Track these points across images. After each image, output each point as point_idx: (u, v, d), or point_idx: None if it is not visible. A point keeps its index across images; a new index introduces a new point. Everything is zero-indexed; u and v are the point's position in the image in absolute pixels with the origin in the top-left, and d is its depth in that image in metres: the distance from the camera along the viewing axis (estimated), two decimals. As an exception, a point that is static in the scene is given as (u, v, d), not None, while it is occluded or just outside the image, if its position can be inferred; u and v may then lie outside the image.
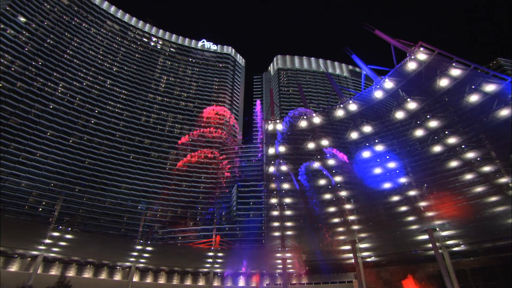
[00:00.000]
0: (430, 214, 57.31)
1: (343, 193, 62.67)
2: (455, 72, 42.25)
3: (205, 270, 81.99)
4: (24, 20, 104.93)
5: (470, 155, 48.23)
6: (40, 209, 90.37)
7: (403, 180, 56.49)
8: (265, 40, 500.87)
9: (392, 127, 53.51)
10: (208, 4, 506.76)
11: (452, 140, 48.25)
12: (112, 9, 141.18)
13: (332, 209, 65.04)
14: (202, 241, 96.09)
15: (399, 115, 50.76)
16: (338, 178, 60.88)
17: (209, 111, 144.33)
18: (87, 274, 71.12)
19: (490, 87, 40.43)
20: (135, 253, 71.05)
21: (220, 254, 79.42)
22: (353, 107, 53.98)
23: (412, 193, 57.35)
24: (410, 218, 60.39)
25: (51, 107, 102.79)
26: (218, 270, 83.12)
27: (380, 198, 60.06)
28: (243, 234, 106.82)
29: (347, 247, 71.69)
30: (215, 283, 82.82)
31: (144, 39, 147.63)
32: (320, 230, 67.62)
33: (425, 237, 62.01)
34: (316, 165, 59.88)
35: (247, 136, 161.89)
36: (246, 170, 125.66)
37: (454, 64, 41.72)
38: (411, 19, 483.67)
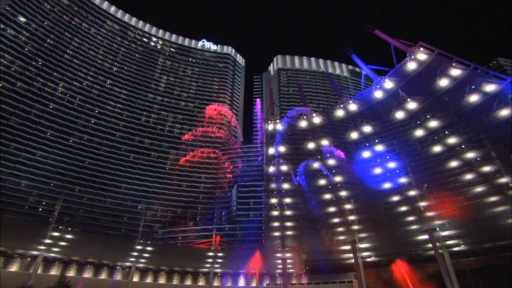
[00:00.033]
0: (430, 214, 57.33)
1: (343, 193, 62.68)
2: (455, 72, 42.27)
3: (205, 270, 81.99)
4: (24, 20, 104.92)
5: (470, 155, 48.25)
6: (40, 209, 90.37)
7: (403, 180, 56.52)
8: (265, 40, 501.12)
9: (392, 127, 53.53)
10: (208, 4, 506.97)
11: (452, 140, 48.27)
12: (112, 9, 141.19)
13: (332, 209, 65.06)
14: (202, 241, 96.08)
15: (399, 115, 50.79)
16: (338, 178, 60.90)
17: (211, 109, 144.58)
18: (87, 274, 71.12)
19: (490, 87, 40.46)
20: (135, 253, 71.05)
21: (220, 254, 79.43)
22: (353, 107, 53.99)
23: (412, 193, 57.38)
24: (410, 218, 60.42)
25: (51, 107, 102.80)
26: (218, 270, 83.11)
27: (380, 198, 60.09)
28: (243, 234, 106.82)
29: (347, 247, 71.71)
30: (215, 283, 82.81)
31: (144, 39, 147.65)
32: (320, 230, 67.64)
33: (425, 237, 62.03)
34: (316, 165, 59.91)
35: (247, 136, 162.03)
36: (246, 170, 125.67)
37: (454, 64, 41.74)
38: (411, 19, 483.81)
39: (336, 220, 66.58)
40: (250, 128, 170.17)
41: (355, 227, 65.94)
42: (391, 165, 55.21)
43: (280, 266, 76.19)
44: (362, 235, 67.37)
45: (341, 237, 69.41)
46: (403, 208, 59.85)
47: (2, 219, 57.70)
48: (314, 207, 63.37)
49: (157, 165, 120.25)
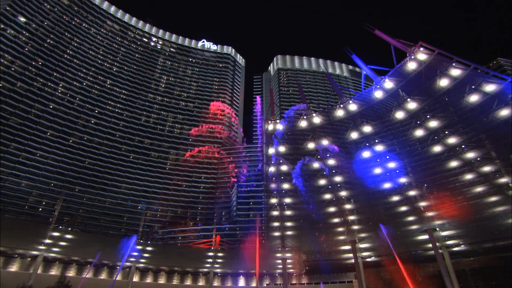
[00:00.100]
0: (430, 214, 57.34)
1: (343, 193, 62.68)
2: (455, 72, 42.24)
3: (205, 270, 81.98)
4: (24, 20, 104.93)
5: (470, 155, 48.24)
6: (40, 209, 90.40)
7: (403, 180, 56.52)
8: (265, 40, 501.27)
9: (392, 127, 53.51)
10: (208, 4, 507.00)
11: (452, 140, 48.26)
12: (112, 9, 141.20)
13: (332, 209, 65.05)
14: (202, 241, 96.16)
15: (399, 115, 50.77)
16: (338, 178, 60.91)
17: (215, 106, 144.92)
18: (87, 274, 71.13)
19: (490, 87, 40.43)
20: (135, 253, 71.00)
21: (220, 254, 79.44)
22: (353, 107, 53.97)
23: (412, 193, 57.38)
24: (410, 218, 60.44)
25: (51, 107, 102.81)
26: (218, 270, 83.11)
27: (380, 198, 60.09)
28: (243, 234, 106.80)
29: (347, 247, 71.71)
30: (215, 283, 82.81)
31: (144, 39, 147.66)
32: (320, 230, 67.64)
33: (425, 237, 62.02)
34: (316, 164, 59.91)
35: (247, 135, 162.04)
36: (246, 170, 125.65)
37: (454, 64, 41.70)
38: (411, 19, 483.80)
39: (336, 220, 66.59)
40: (250, 128, 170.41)
41: (355, 227, 65.93)
42: (391, 165, 55.20)
43: (280, 266, 76.18)
44: (362, 235, 67.36)
45: (341, 237, 69.40)
46: (403, 208, 59.87)
47: (2, 219, 57.77)
48: (314, 207, 63.39)
49: (157, 165, 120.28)
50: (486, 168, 48.31)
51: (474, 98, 42.23)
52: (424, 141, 51.36)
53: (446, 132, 48.60)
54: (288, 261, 75.01)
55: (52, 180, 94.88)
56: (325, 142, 57.84)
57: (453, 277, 57.64)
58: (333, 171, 60.42)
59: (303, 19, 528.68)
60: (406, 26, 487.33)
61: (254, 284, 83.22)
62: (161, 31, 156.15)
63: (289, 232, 68.93)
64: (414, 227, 61.85)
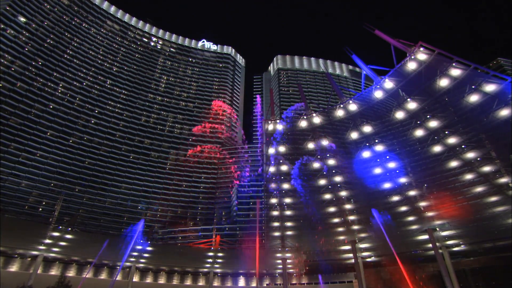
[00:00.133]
0: (430, 214, 57.35)
1: (343, 193, 62.68)
2: (455, 72, 42.26)
3: (205, 270, 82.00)
4: (24, 20, 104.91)
5: (470, 155, 48.26)
6: (40, 209, 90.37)
7: (403, 180, 56.54)
8: (265, 40, 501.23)
9: (392, 127, 53.53)
10: (208, 4, 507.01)
11: (452, 140, 48.28)
12: (112, 9, 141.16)
13: (332, 209, 65.06)
14: (202, 241, 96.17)
15: (399, 115, 50.79)
16: (338, 178, 60.93)
17: (217, 105, 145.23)
18: (87, 274, 71.17)
19: (490, 87, 40.45)
20: (135, 253, 71.02)
21: (220, 254, 79.44)
22: (353, 107, 53.98)
23: (412, 193, 57.40)
24: (410, 218, 60.44)
25: (51, 107, 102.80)
26: (218, 270, 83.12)
27: (380, 198, 60.08)
28: (243, 234, 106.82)
29: (347, 247, 71.72)
30: (215, 283, 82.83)
31: (144, 39, 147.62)
32: (320, 230, 67.63)
33: (425, 237, 62.04)
34: (316, 164, 59.91)
35: (247, 136, 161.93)
36: (246, 170, 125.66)
37: (454, 64, 41.73)
38: (411, 19, 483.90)
39: (336, 220, 66.59)
40: (250, 128, 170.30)
41: (355, 227, 65.93)
42: (391, 165, 55.22)
43: (280, 266, 76.20)
44: (362, 235, 67.37)
45: (341, 237, 69.40)
46: (403, 208, 59.88)
47: (2, 219, 57.75)
48: (314, 207, 63.39)
49: (157, 165, 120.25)
50: (486, 168, 48.33)
51: (474, 98, 42.24)
52: (424, 141, 51.38)
53: (446, 132, 48.62)
54: (288, 261, 75.01)
55: (52, 180, 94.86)
56: (325, 142, 57.85)
57: (453, 277, 57.67)
58: (333, 171, 60.44)
59: (303, 19, 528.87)
60: (406, 26, 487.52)
61: (254, 284, 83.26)
62: (161, 31, 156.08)
63: (289, 232, 68.95)
64: (414, 227, 61.86)
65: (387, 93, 49.93)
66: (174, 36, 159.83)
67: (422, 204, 57.60)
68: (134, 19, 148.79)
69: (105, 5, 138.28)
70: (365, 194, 60.75)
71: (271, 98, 77.05)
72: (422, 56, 44.02)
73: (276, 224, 67.04)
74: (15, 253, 63.91)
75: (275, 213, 65.87)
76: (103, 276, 74.28)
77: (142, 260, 75.32)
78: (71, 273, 69.98)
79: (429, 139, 50.54)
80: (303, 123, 58.48)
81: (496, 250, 62.68)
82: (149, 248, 72.67)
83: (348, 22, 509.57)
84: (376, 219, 55.66)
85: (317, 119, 57.28)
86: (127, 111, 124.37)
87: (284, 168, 61.10)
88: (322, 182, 61.87)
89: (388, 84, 48.89)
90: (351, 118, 55.43)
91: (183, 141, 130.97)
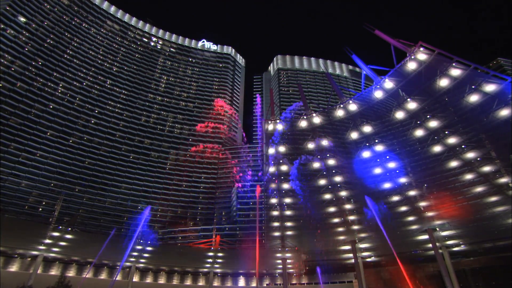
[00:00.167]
0: (430, 214, 57.35)
1: (343, 193, 62.67)
2: (455, 72, 42.26)
3: (205, 270, 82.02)
4: (24, 20, 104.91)
5: (470, 155, 48.26)
6: (40, 209, 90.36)
7: (403, 180, 56.52)
8: (265, 40, 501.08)
9: (392, 127, 53.52)
10: (208, 4, 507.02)
11: (452, 140, 48.27)
12: (112, 9, 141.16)
13: (332, 209, 65.06)
14: (202, 241, 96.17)
15: (399, 115, 50.78)
16: (338, 178, 60.90)
17: (219, 104, 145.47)
18: (87, 274, 71.21)
19: (490, 87, 40.45)
20: (135, 253, 71.03)
21: (220, 254, 79.45)
22: (353, 107, 53.98)
23: (412, 193, 57.40)
24: (410, 218, 60.44)
25: (51, 107, 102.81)
26: (218, 270, 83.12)
27: (380, 198, 60.06)
28: (243, 234, 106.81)
29: (347, 247, 71.71)
30: (215, 283, 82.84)
31: (144, 39, 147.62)
32: (320, 230, 67.62)
33: (425, 237, 62.05)
34: (316, 164, 59.90)
35: (247, 135, 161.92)
36: (246, 170, 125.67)
37: (454, 64, 41.72)
38: (411, 19, 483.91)
39: (336, 220, 66.59)
40: (250, 128, 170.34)
41: (355, 227, 65.93)
42: (391, 165, 55.21)
43: (280, 266, 76.19)
44: (362, 235, 67.36)
45: (341, 237, 69.40)
46: (403, 208, 59.86)
47: (2, 219, 57.75)
48: (314, 207, 63.38)
49: (157, 165, 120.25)
50: (486, 168, 48.33)
51: (474, 98, 42.24)
52: (424, 141, 51.37)
53: (446, 132, 48.61)
54: (288, 261, 75.03)
55: (52, 180, 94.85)
56: (325, 142, 57.85)
57: (453, 277, 57.68)
58: (333, 171, 60.42)
59: (303, 19, 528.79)
60: (406, 26, 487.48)
61: (254, 284, 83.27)
62: (161, 31, 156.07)
63: (289, 232, 68.94)
64: (414, 227, 61.87)
65: (387, 93, 49.93)
66: (174, 36, 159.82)
67: (422, 204, 57.60)
68: (134, 19, 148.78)
69: (105, 5, 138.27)
70: (365, 194, 60.69)
71: (271, 98, 77.03)
72: (422, 56, 44.02)
73: (276, 224, 67.04)
74: (15, 253, 63.92)
75: (275, 213, 65.87)
76: (103, 276, 74.31)
77: (142, 260, 75.35)
78: (71, 273, 70.00)
79: (429, 139, 50.53)
80: (303, 123, 58.48)
81: (496, 250, 62.69)
82: (149, 248, 72.67)
83: (348, 22, 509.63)
84: (371, 209, 55.41)
85: (317, 119, 57.28)
86: (127, 111, 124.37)
87: (284, 168, 61.10)
88: (322, 182, 61.86)
89: (388, 84, 48.89)
90: (351, 118, 55.42)
91: (183, 141, 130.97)
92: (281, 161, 60.80)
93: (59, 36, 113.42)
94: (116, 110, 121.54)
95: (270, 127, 59.70)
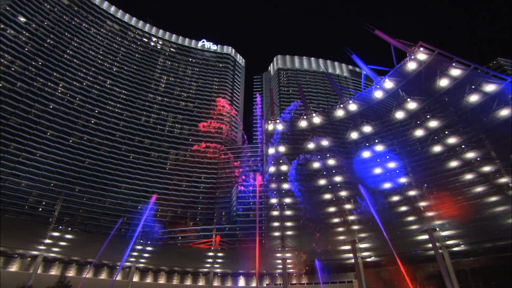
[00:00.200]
0: (430, 214, 57.32)
1: (343, 193, 62.64)
2: (455, 72, 42.22)
3: (205, 270, 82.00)
4: (24, 20, 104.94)
5: (470, 155, 48.23)
6: (40, 209, 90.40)
7: (403, 180, 56.48)
8: (265, 40, 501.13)
9: (392, 127, 53.47)
10: (208, 4, 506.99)
11: (452, 140, 48.24)
12: (112, 9, 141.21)
13: (332, 209, 65.04)
14: (202, 241, 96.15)
15: (399, 115, 50.74)
16: (338, 178, 60.86)
17: (221, 103, 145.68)
18: (87, 274, 71.20)
19: (490, 87, 40.40)
20: (135, 253, 71.02)
21: (220, 254, 79.44)
22: (353, 107, 53.94)
23: (412, 193, 57.35)
24: (410, 218, 60.40)
25: (51, 107, 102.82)
26: (218, 270, 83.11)
27: (380, 198, 60.00)
28: (243, 234, 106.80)
29: (347, 247, 71.69)
30: (215, 283, 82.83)
31: (144, 39, 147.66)
32: (320, 230, 67.61)
33: (425, 237, 62.03)
34: (316, 164, 59.87)
35: (247, 135, 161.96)
36: (246, 169, 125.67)
37: (454, 64, 41.67)
38: (411, 19, 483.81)
39: (336, 220, 66.57)
40: (250, 127, 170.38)
41: (355, 227, 65.91)
42: (391, 165, 55.17)
43: (280, 266, 76.17)
44: (362, 235, 67.35)
45: (341, 237, 69.38)
46: (403, 208, 59.83)
47: (2, 219, 57.73)
48: (314, 207, 63.35)
49: (157, 165, 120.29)
50: (486, 168, 48.29)
51: (474, 98, 42.19)
52: (424, 141, 51.32)
53: (446, 132, 48.58)
54: (288, 261, 75.01)
55: (52, 180, 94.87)
56: (325, 142, 57.83)
57: (453, 277, 57.67)
58: (333, 171, 60.38)
59: (303, 19, 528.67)
60: (406, 26, 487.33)
61: (254, 284, 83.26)
62: (161, 31, 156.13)
63: (289, 232, 68.91)
64: (414, 227, 61.84)
65: (387, 93, 49.89)
66: (174, 36, 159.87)
67: (422, 204, 57.56)
68: (134, 19, 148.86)
69: (105, 5, 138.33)
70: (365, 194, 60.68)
71: (271, 98, 76.99)
72: (422, 56, 43.97)
73: (276, 224, 67.01)
74: (15, 253, 63.91)
75: (275, 213, 65.84)
76: (103, 276, 74.29)
77: (142, 260, 75.33)
78: (71, 273, 69.98)
79: (429, 139, 50.49)
80: (303, 123, 58.45)
81: (496, 250, 62.69)
82: (149, 248, 72.68)
83: (348, 22, 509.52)
84: (365, 198, 55.30)
85: (317, 119, 57.24)
86: (127, 111, 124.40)
87: (284, 168, 61.05)
88: (322, 182, 61.82)
89: (388, 84, 48.86)
90: (351, 118, 55.37)
91: (183, 141, 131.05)
92: (281, 161, 60.77)
93: (59, 36, 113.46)
94: (116, 110, 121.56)
95: (270, 127, 59.66)
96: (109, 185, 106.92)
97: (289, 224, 67.22)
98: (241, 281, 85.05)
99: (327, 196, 63.21)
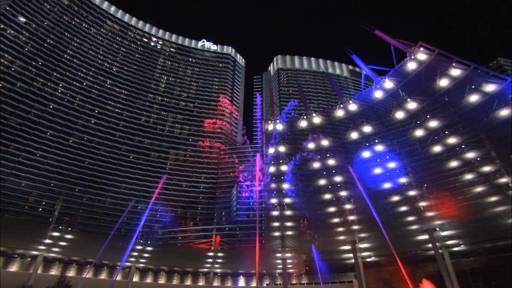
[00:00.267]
0: (430, 214, 57.33)
1: (343, 193, 62.65)
2: (455, 72, 42.24)
3: (205, 270, 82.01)
4: (24, 20, 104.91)
5: (470, 155, 48.24)
6: (40, 209, 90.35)
7: (403, 180, 56.50)
8: (265, 40, 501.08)
9: (392, 127, 53.49)
10: (208, 4, 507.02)
11: (452, 140, 48.25)
12: (112, 9, 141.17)
13: (332, 209, 65.05)
14: (202, 241, 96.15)
15: (399, 115, 50.76)
16: (338, 178, 60.88)
17: (225, 102, 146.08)
18: (87, 274, 71.21)
19: (490, 87, 40.42)
20: (135, 253, 71.02)
21: (220, 254, 79.46)
22: (353, 107, 53.96)
23: (412, 193, 57.37)
24: (410, 218, 60.41)
25: (51, 107, 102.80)
26: (218, 270, 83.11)
27: (380, 198, 60.04)
28: (243, 234, 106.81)
29: (347, 247, 71.70)
30: (215, 283, 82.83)
31: (144, 39, 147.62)
32: (320, 230, 67.62)
33: (425, 237, 62.04)
34: (316, 164, 59.88)
35: (247, 135, 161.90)
36: (246, 169, 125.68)
37: (454, 64, 41.69)
38: (411, 19, 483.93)
39: (336, 220, 66.58)
40: (250, 127, 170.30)
41: (355, 227, 65.93)
42: (391, 165, 55.19)
43: (280, 266, 76.18)
44: (362, 235, 67.37)
45: (341, 237, 69.39)
46: (403, 208, 59.84)
47: (2, 219, 57.71)
48: (313, 207, 63.35)
49: (157, 165, 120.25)
50: (486, 168, 48.31)
51: (474, 98, 42.21)
52: (424, 141, 51.34)
53: (446, 132, 48.59)
54: (288, 261, 75.01)
55: (52, 180, 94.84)
56: (325, 142, 57.83)
57: (453, 277, 57.68)
58: (333, 171, 60.40)
59: (303, 19, 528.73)
60: (406, 26, 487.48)
61: (254, 284, 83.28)
62: (161, 31, 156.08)
63: (289, 232, 68.92)
64: (414, 227, 61.85)
65: (387, 93, 49.90)
66: (174, 36, 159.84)
67: (422, 204, 57.57)
68: (134, 19, 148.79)
69: (105, 5, 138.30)
70: (365, 194, 60.67)
71: (271, 98, 77.00)
72: (422, 56, 43.99)
73: (276, 224, 67.03)
74: (15, 253, 63.92)
75: (275, 213, 65.86)
76: (103, 276, 74.31)
77: (142, 260, 75.34)
78: (71, 273, 70.01)
79: (429, 139, 50.51)
80: (303, 123, 58.47)
81: (496, 250, 62.70)
82: (149, 248, 72.69)
83: (348, 22, 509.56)
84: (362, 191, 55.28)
85: (317, 119, 57.26)
86: (127, 111, 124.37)
87: (284, 168, 61.08)
88: (322, 182, 61.85)
89: (388, 84, 48.87)
90: (351, 118, 55.39)
91: (183, 141, 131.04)
92: (281, 161, 60.80)
93: (59, 36, 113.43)
94: (116, 110, 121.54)
95: (270, 127, 59.66)
96: (109, 185, 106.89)
97: (289, 224, 67.23)
98: (241, 281, 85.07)
99: (327, 196, 63.22)
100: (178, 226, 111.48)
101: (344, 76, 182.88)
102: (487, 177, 49.03)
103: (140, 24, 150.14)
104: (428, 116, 48.85)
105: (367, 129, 54.79)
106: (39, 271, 64.06)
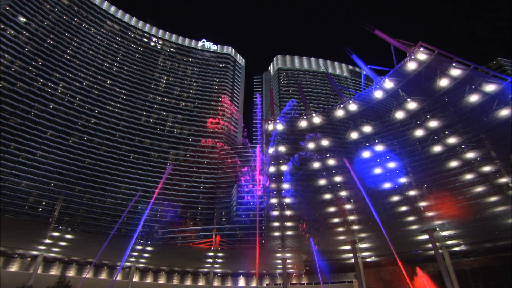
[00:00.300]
0: (430, 214, 57.32)
1: (343, 193, 62.65)
2: (455, 72, 42.22)
3: (205, 270, 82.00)
4: (24, 20, 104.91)
5: (470, 155, 48.23)
6: (40, 209, 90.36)
7: (403, 180, 56.50)
8: (265, 40, 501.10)
9: (392, 127, 53.49)
10: (208, 4, 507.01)
11: (452, 140, 48.24)
12: (112, 9, 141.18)
13: (332, 209, 65.05)
14: (202, 241, 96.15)
15: (399, 115, 50.75)
16: (338, 178, 60.87)
17: (226, 102, 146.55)
18: (87, 274, 71.20)
19: (490, 87, 40.40)
20: (135, 253, 71.02)
21: (220, 254, 79.46)
22: (353, 107, 53.95)
23: (412, 193, 57.36)
24: (410, 218, 60.41)
25: (51, 107, 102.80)
26: (218, 270, 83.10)
27: (380, 198, 60.04)
28: (243, 234, 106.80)
29: (347, 247, 71.70)
30: (215, 283, 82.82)
31: (144, 39, 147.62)
32: (320, 230, 67.62)
33: (425, 237, 62.02)
34: (316, 164, 59.87)
35: (247, 135, 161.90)
36: (246, 170, 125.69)
37: (454, 64, 41.68)
38: (411, 19, 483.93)
39: (336, 220, 66.58)
40: (250, 127, 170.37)
41: (355, 227, 65.93)
42: (391, 165, 55.18)
43: (280, 266, 76.17)
44: (362, 235, 67.36)
45: (341, 237, 69.39)
46: (403, 208, 59.84)
47: (2, 219, 57.74)
48: (313, 207, 63.34)
49: (157, 165, 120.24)
50: (486, 168, 48.30)
51: (474, 98, 42.20)
52: (424, 141, 51.33)
53: (446, 132, 48.59)
54: (288, 261, 74.98)
55: (52, 180, 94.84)
56: (325, 142, 57.82)
57: (453, 277, 57.67)
58: (333, 171, 60.39)
59: (303, 19, 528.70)
60: (406, 26, 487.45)
61: (254, 284, 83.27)
62: (161, 31, 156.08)
63: (289, 232, 68.92)
64: (414, 227, 61.84)
65: (387, 93, 49.89)
66: (174, 36, 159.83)
67: (422, 204, 57.55)
68: (134, 19, 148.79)
69: (105, 5, 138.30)
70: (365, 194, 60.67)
71: (271, 98, 77.00)
72: (422, 56, 43.98)
73: (276, 224, 67.02)
74: (15, 253, 63.91)
75: (275, 213, 65.83)
76: (103, 276, 74.30)
77: (142, 260, 75.33)
78: (71, 273, 69.99)
79: (429, 139, 50.50)
80: (303, 123, 58.46)
81: (496, 250, 62.69)
82: (149, 248, 72.69)
83: (348, 22, 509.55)
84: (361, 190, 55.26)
85: (317, 119, 57.25)
86: (127, 111, 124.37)
87: (284, 168, 61.06)
88: (322, 182, 61.83)
89: (388, 84, 48.86)
90: (351, 118, 55.38)
91: (183, 141, 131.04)
92: (281, 161, 60.79)
93: (59, 36, 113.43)
94: (116, 110, 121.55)
95: (270, 127, 59.64)
96: (109, 185, 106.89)
97: (289, 224, 67.23)
98: (241, 281, 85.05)
99: (327, 196, 63.22)
100: (178, 226, 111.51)
101: (344, 76, 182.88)
102: (487, 177, 49.03)
103: (140, 24, 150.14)
104: (428, 116, 48.84)
105: (367, 129, 54.78)
106: (39, 271, 64.06)
